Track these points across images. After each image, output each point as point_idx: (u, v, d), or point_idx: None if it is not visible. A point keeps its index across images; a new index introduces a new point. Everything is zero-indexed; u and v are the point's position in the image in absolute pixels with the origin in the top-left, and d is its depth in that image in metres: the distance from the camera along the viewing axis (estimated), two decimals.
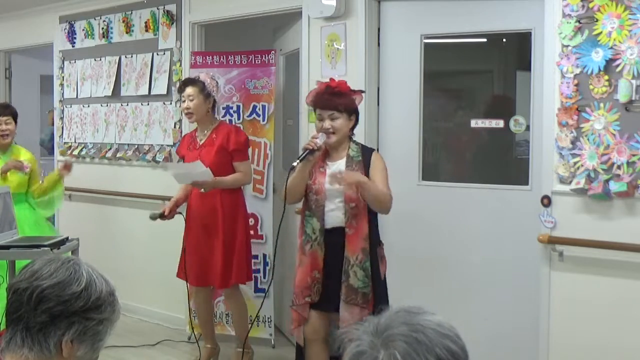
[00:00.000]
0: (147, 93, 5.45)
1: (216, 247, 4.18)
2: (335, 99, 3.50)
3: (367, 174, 3.46)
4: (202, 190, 4.13)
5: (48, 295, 1.48)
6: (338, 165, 3.52)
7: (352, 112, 3.55)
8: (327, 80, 3.63)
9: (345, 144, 3.54)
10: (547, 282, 3.55)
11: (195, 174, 4.06)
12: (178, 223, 5.21)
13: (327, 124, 3.49)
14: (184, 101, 4.23)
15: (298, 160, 3.44)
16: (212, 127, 4.27)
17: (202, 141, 4.27)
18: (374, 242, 3.49)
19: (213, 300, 4.64)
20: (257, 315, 4.73)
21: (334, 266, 3.46)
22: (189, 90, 4.20)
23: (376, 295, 3.44)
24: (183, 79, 4.40)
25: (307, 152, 3.43)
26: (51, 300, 1.48)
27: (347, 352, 1.20)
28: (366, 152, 3.55)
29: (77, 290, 1.50)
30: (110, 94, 5.72)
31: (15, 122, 4.82)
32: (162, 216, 4.27)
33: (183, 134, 5.20)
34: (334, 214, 3.48)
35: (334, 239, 3.47)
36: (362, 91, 3.69)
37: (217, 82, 4.40)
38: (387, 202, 3.45)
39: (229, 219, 4.19)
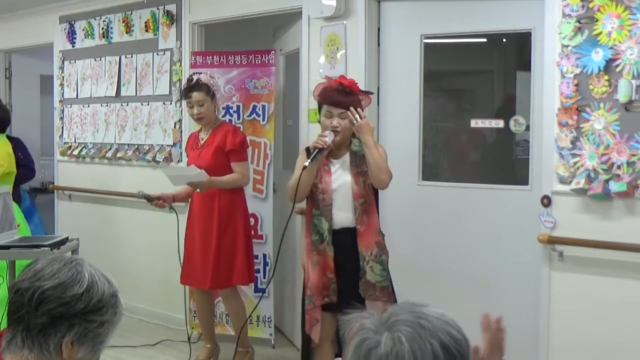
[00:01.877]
0: (151, 93, 5.46)
1: (210, 249, 4.18)
2: (348, 99, 3.49)
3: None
4: (198, 190, 4.13)
5: (49, 297, 1.47)
6: (342, 161, 3.54)
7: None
8: (336, 78, 3.63)
9: (347, 140, 3.55)
10: (547, 282, 3.55)
11: (190, 176, 4.04)
12: (178, 223, 5.21)
13: (335, 122, 3.48)
14: (192, 107, 4.21)
15: (309, 160, 3.41)
16: (214, 127, 4.28)
17: (204, 140, 4.27)
18: (381, 235, 3.51)
19: (214, 301, 4.64)
20: (257, 315, 4.74)
21: (345, 266, 3.45)
22: (197, 96, 4.18)
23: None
24: (184, 83, 4.36)
25: (317, 151, 3.42)
26: (52, 301, 1.47)
27: (353, 342, 1.22)
28: None
29: (79, 292, 1.48)
30: (114, 95, 5.72)
31: None
32: (149, 199, 4.23)
33: (183, 134, 5.21)
34: (342, 215, 3.47)
35: (342, 239, 3.46)
36: (371, 93, 3.71)
37: (216, 79, 4.40)
38: (387, 171, 3.43)
39: (224, 220, 4.19)
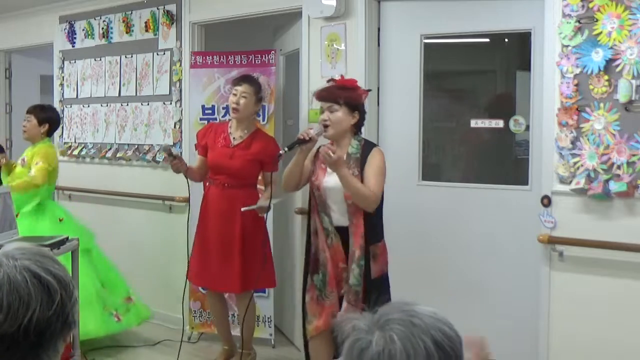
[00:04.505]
0: (151, 93, 5.45)
1: (234, 252, 4.13)
2: (337, 91, 3.49)
3: (362, 171, 3.44)
4: (261, 214, 4.01)
5: (43, 323, 1.29)
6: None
7: (355, 108, 3.50)
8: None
9: (348, 140, 3.51)
10: (547, 282, 3.55)
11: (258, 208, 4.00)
12: (179, 224, 5.20)
13: (325, 115, 3.48)
14: (235, 94, 4.16)
15: (286, 148, 3.48)
16: (250, 131, 4.22)
17: (237, 142, 4.20)
18: (369, 241, 3.45)
19: (226, 301, 4.57)
20: (257, 316, 4.74)
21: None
22: (245, 87, 4.15)
23: (365, 294, 3.40)
24: (241, 74, 4.33)
25: (297, 141, 3.46)
26: (51, 323, 1.31)
27: (346, 344, 1.21)
28: (366, 149, 3.50)
29: (58, 298, 1.31)
30: (117, 95, 5.72)
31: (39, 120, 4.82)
32: (173, 156, 4.05)
33: (183, 134, 5.21)
34: (336, 214, 3.49)
35: (339, 237, 3.48)
36: (368, 90, 3.69)
37: (268, 91, 4.45)
38: (366, 198, 3.36)
39: (249, 224, 4.14)
